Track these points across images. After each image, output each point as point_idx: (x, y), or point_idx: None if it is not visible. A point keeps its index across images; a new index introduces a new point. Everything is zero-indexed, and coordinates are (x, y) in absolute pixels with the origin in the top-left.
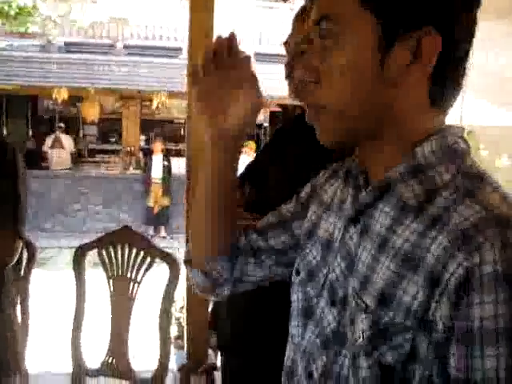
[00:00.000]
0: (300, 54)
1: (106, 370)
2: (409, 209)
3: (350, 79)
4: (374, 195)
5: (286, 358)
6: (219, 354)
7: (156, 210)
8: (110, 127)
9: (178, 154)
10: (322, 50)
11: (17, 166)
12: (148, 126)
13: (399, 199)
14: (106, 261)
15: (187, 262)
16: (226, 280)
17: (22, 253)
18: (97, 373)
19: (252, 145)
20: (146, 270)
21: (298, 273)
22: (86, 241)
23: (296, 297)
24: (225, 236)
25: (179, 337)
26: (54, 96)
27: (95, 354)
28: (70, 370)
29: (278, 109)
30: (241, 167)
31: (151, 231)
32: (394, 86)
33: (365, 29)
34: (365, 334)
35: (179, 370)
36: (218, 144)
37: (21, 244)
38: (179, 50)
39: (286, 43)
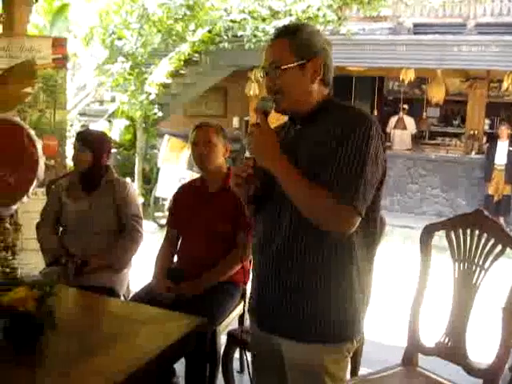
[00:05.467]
0: None
1: (439, 350)
2: None
3: None
4: None
5: None
6: None
7: (496, 198)
8: (453, 109)
9: None
10: None
11: None
12: (494, 108)
13: None
14: (454, 243)
15: None
16: None
17: None
18: (430, 352)
19: None
20: (495, 258)
21: None
22: (424, 223)
23: None
24: None
25: None
26: (400, 77)
27: (431, 334)
28: (404, 345)
29: None
30: None
31: None
32: None
33: None
34: None
35: (511, 369)
36: None
37: (356, 217)
38: None
39: None
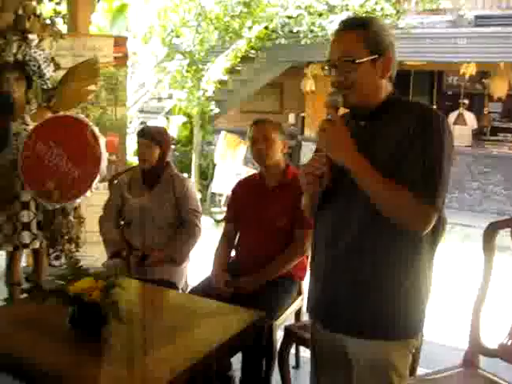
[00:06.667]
0: None
1: (502, 352)
2: None
3: None
4: None
5: None
6: None
7: None
8: None
9: None
10: None
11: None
12: None
13: None
14: None
15: None
16: None
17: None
18: (492, 353)
19: None
20: None
21: None
22: (484, 221)
23: None
24: None
25: None
26: (461, 72)
27: (494, 335)
28: (463, 346)
29: None
30: None
31: None
32: None
33: None
34: None
35: None
36: None
37: (435, 215)
38: None
39: None
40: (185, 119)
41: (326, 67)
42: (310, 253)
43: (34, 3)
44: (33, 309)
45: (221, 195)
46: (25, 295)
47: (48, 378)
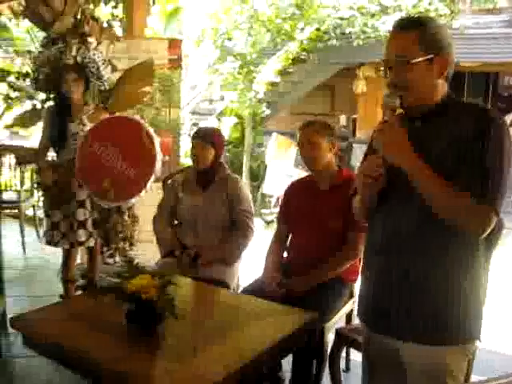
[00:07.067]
0: None
1: None
2: None
3: None
4: None
5: None
6: None
7: None
8: None
9: None
10: None
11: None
12: None
13: None
14: None
15: None
16: None
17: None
18: None
19: None
20: None
21: None
22: None
23: None
24: None
25: None
26: None
27: None
28: None
29: None
30: None
31: None
32: None
33: None
34: None
35: None
36: None
37: (495, 217)
38: None
39: None
40: (236, 121)
41: (382, 68)
42: (362, 256)
43: (92, 7)
44: (87, 305)
45: (271, 196)
46: (79, 292)
47: (104, 371)
